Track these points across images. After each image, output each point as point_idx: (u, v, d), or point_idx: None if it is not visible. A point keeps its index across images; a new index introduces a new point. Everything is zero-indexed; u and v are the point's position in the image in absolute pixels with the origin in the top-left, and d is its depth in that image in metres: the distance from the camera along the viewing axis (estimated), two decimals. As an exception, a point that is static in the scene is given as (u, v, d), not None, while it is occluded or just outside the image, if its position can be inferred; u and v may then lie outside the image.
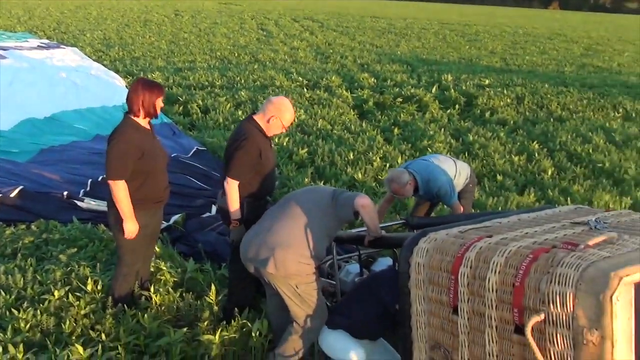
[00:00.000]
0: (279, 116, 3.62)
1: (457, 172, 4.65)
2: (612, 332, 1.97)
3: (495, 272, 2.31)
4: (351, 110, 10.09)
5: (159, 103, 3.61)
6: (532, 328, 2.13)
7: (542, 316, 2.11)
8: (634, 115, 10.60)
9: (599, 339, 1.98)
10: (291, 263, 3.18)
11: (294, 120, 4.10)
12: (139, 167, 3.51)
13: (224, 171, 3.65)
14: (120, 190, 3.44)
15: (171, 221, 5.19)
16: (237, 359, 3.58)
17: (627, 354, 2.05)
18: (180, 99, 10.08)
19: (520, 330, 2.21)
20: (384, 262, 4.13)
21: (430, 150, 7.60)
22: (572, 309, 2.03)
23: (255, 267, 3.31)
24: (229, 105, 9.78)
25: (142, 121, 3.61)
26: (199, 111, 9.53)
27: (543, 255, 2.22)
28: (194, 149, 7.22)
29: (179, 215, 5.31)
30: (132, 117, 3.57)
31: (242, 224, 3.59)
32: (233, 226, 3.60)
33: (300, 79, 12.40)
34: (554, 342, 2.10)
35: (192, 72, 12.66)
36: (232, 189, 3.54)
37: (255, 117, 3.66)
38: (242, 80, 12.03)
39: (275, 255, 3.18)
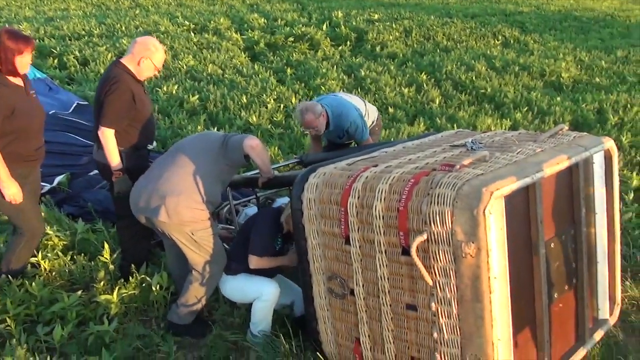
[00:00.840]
0: (149, 56, 3.39)
1: (366, 111, 4.60)
2: (486, 243, 2.11)
3: (380, 199, 2.38)
4: (242, 52, 9.82)
5: (22, 61, 3.25)
6: (417, 248, 2.24)
7: (425, 236, 2.22)
8: (511, 42, 11.20)
9: (475, 251, 2.12)
10: (184, 210, 3.09)
11: (165, 61, 3.86)
12: (8, 125, 3.19)
13: (97, 121, 3.41)
14: None
15: (55, 182, 4.86)
16: (140, 314, 3.51)
17: (501, 261, 2.22)
18: (54, 51, 9.27)
19: (406, 251, 2.32)
20: (282, 202, 4.14)
21: (323, 89, 7.61)
22: (450, 226, 2.15)
23: (146, 218, 3.19)
24: (109, 55, 9.13)
25: (12, 77, 3.27)
26: (76, 63, 8.84)
27: (423, 179, 2.31)
28: (75, 104, 6.72)
29: (63, 175, 4.98)
30: None
31: (124, 173, 3.42)
32: (115, 177, 3.40)
33: (187, 22, 11.80)
34: (437, 258, 2.23)
35: (66, 21, 11.63)
36: (109, 138, 3.32)
37: (123, 61, 3.42)
38: (123, 28, 11.24)
39: (167, 203, 3.07)
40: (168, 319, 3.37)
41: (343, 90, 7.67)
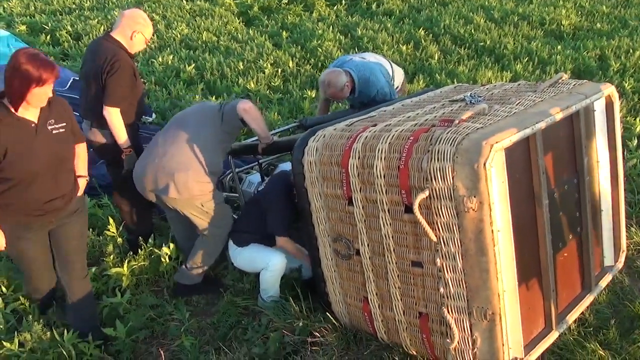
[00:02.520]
0: (141, 30, 3.36)
1: (392, 76, 4.34)
2: (488, 196, 2.11)
3: (381, 158, 2.38)
4: (236, 18, 9.63)
5: (40, 93, 2.53)
6: (420, 205, 2.24)
7: (427, 193, 2.22)
8: (510, -10, 10.93)
9: (477, 204, 2.13)
10: (193, 184, 3.15)
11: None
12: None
13: (91, 100, 3.37)
14: None
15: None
16: (151, 285, 3.57)
17: (504, 214, 2.22)
18: (46, 27, 9.11)
19: (409, 209, 2.33)
20: (284, 167, 4.14)
21: (320, 50, 7.50)
22: (452, 181, 2.15)
23: (156, 196, 3.24)
24: (102, 27, 8.97)
25: (22, 109, 2.57)
26: (69, 38, 8.70)
27: (422, 136, 2.30)
28: (71, 80, 6.63)
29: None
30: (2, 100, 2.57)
31: (132, 150, 3.43)
32: (125, 154, 3.41)
33: (178, -10, 11.57)
34: (440, 214, 2.24)
35: (56, -4, 11.43)
36: (116, 117, 3.32)
37: (115, 35, 3.37)
38: (114, -1, 11.05)
39: (176, 179, 3.12)
40: (176, 280, 3.45)
41: (340, 52, 7.57)
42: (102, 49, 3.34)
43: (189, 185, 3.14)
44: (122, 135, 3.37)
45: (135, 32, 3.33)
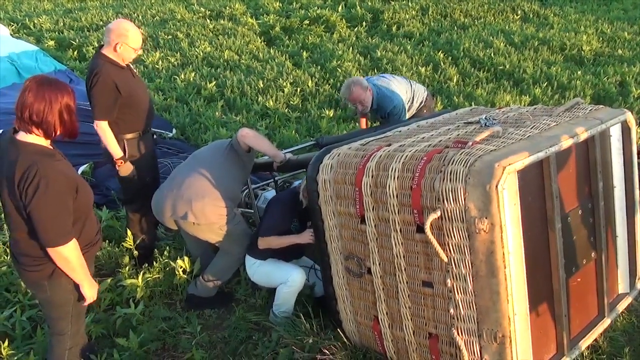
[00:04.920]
0: (123, 41, 3.40)
1: (413, 94, 4.56)
2: (500, 218, 2.12)
3: (394, 178, 2.40)
4: (258, 37, 9.80)
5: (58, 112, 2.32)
6: (431, 225, 2.26)
7: (439, 213, 2.24)
8: (531, 16, 10.95)
9: (489, 226, 2.13)
10: (210, 210, 3.24)
11: (144, 40, 3.84)
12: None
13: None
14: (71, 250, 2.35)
15: (79, 172, 4.96)
16: (165, 297, 3.60)
17: (516, 236, 2.23)
18: (74, 42, 9.38)
19: (421, 229, 2.34)
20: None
21: (340, 71, 7.58)
22: (463, 203, 2.16)
23: (175, 222, 3.34)
24: (128, 44, 9.21)
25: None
26: (95, 54, 8.95)
27: (436, 156, 2.32)
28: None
29: (87, 165, 5.09)
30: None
31: (126, 161, 3.49)
32: (118, 165, 3.48)
33: (202, 9, 11.80)
34: (451, 235, 2.25)
35: (84, 13, 11.73)
36: (104, 130, 3.39)
37: (103, 51, 3.43)
38: (140, 17, 11.31)
39: (194, 207, 3.22)
40: (190, 292, 3.49)
41: (359, 72, 7.64)
42: (91, 65, 3.44)
43: (206, 212, 3.23)
44: (113, 147, 3.43)
45: (118, 44, 3.40)
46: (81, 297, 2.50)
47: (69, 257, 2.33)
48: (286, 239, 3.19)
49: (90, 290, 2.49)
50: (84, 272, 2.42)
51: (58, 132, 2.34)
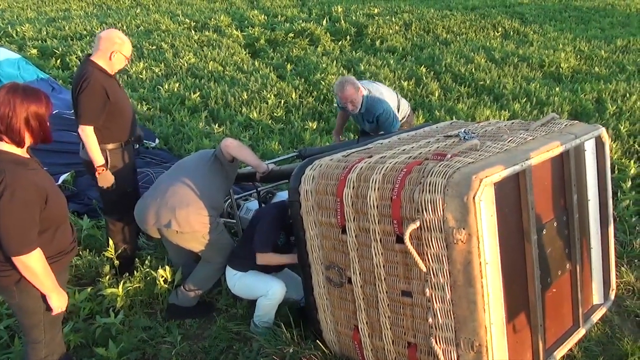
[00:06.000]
0: (118, 50, 3.43)
1: (398, 105, 4.61)
2: (477, 229, 2.17)
3: (374, 189, 2.44)
4: (242, 49, 9.86)
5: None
6: (410, 236, 2.30)
7: (418, 224, 2.28)
8: (511, 33, 11.20)
9: (466, 237, 2.18)
10: (194, 219, 3.25)
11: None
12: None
13: (76, 122, 3.44)
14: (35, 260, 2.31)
15: (60, 181, 4.94)
16: (145, 307, 3.59)
17: (492, 247, 2.28)
18: (57, 51, 9.34)
19: (400, 239, 2.38)
20: (282, 196, 4.21)
21: (323, 84, 7.66)
22: (442, 213, 2.21)
23: (158, 230, 3.33)
24: (111, 54, 9.20)
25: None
26: (79, 63, 8.91)
27: (415, 168, 2.37)
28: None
29: (68, 173, 5.06)
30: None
31: (107, 169, 3.48)
32: (99, 173, 3.47)
33: (188, 20, 11.86)
34: (430, 245, 2.29)
35: (68, 22, 11.71)
36: (88, 135, 3.38)
37: (94, 59, 3.44)
38: (124, 27, 11.31)
39: (177, 215, 3.23)
40: (171, 302, 3.48)
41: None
42: (78, 72, 3.46)
43: (190, 221, 3.23)
44: (95, 154, 3.41)
45: (113, 52, 3.43)
46: (49, 307, 2.46)
47: (33, 267, 2.30)
48: (286, 258, 3.22)
49: (58, 301, 2.43)
50: (51, 283, 2.37)
51: (28, 140, 2.33)
